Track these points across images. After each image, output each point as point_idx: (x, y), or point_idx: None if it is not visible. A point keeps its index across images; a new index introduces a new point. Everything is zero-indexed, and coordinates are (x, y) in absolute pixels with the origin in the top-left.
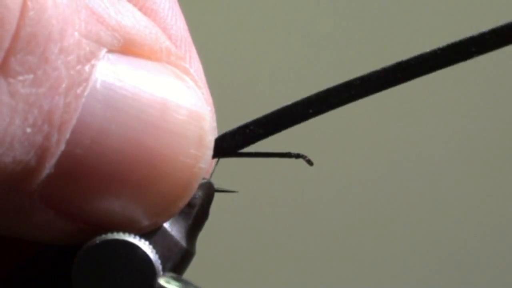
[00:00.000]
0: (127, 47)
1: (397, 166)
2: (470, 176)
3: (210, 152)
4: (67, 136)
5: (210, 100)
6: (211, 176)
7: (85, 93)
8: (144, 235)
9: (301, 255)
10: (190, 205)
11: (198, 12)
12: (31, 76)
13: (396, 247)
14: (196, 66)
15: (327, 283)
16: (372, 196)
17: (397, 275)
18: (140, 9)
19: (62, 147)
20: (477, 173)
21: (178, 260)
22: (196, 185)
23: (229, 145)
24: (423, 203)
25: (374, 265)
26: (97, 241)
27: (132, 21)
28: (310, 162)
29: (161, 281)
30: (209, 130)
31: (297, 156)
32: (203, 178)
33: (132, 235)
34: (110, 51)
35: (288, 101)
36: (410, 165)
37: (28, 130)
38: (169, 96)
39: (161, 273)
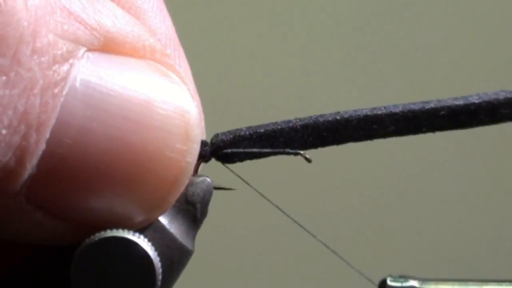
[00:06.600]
0: (107, 46)
1: (396, 164)
2: (470, 176)
3: (197, 146)
4: (47, 136)
5: (197, 96)
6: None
7: (64, 92)
8: (143, 233)
9: (299, 253)
10: (188, 202)
11: (185, 13)
12: (4, 78)
13: (395, 246)
14: (183, 66)
15: (325, 280)
16: (371, 193)
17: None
18: (128, 9)
19: (43, 147)
20: (477, 174)
21: (177, 258)
22: (185, 180)
23: (227, 144)
24: (423, 202)
25: (373, 265)
26: (96, 239)
27: (113, 19)
28: (308, 160)
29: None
30: (195, 124)
31: (296, 153)
32: (201, 175)
33: (131, 232)
34: (90, 50)
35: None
36: (409, 164)
37: (4, 131)
38: (152, 92)
39: (160, 270)
